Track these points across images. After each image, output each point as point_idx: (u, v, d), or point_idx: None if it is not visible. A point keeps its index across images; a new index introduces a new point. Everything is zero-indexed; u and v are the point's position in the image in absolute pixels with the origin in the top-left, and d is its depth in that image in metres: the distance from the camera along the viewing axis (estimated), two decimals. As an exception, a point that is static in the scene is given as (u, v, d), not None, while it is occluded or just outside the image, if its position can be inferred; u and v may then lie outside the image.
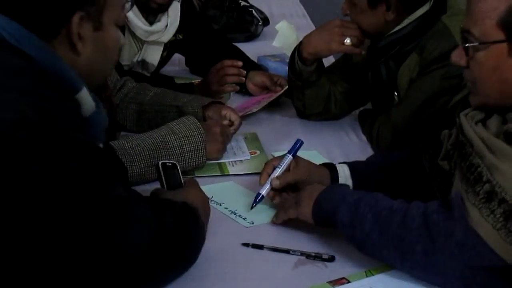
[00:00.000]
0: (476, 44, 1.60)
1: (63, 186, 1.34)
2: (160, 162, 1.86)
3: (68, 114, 1.41)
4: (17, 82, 1.38)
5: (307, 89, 2.47)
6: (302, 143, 1.97)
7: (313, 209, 1.75)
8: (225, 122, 2.26)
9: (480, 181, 1.52)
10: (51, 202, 1.33)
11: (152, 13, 2.66)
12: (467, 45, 1.62)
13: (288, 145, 2.22)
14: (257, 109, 2.52)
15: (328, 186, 1.78)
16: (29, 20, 1.43)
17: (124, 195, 1.45)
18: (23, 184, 1.32)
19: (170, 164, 1.88)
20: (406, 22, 2.26)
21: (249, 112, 2.51)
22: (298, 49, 2.42)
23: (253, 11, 3.42)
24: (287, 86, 2.58)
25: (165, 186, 1.82)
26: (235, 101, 2.66)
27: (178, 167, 1.87)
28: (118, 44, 1.57)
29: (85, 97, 1.47)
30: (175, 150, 2.07)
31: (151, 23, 2.66)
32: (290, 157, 1.94)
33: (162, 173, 1.84)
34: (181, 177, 1.86)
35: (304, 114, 2.55)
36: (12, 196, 1.32)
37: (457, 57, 1.66)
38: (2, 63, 1.41)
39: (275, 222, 1.85)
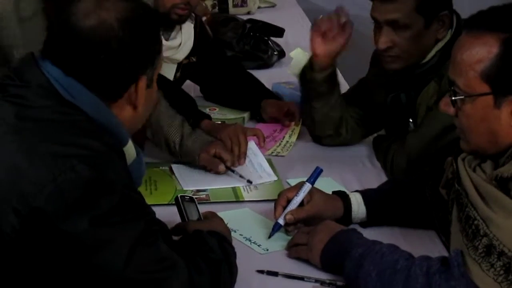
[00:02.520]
0: (461, 97, 1.61)
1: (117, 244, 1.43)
2: (179, 196, 1.89)
3: (118, 166, 1.48)
4: (73, 137, 1.45)
5: (316, 102, 2.43)
6: (321, 171, 1.97)
7: (321, 259, 1.77)
8: (221, 167, 2.23)
9: (478, 234, 1.54)
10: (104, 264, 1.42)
11: (169, 27, 2.69)
12: (453, 98, 1.63)
13: (303, 172, 2.23)
14: (285, 153, 2.51)
15: (336, 233, 1.79)
16: (95, 84, 1.49)
17: (166, 252, 1.51)
18: (73, 242, 1.40)
19: (188, 198, 1.91)
20: (433, 52, 2.24)
21: (276, 155, 2.49)
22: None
23: (270, 42, 3.43)
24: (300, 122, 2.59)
25: (187, 218, 1.84)
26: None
27: (195, 201, 1.91)
28: (156, 95, 1.64)
29: (130, 149, 1.55)
30: None
31: (166, 39, 2.68)
32: (309, 185, 1.95)
33: (182, 206, 1.86)
34: (199, 211, 1.89)
35: (315, 135, 2.54)
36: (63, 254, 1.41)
37: (446, 106, 1.67)
38: (59, 117, 1.47)
39: (287, 255, 1.86)
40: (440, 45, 2.24)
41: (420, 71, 2.26)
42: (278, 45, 3.46)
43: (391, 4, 2.20)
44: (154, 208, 1.68)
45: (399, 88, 2.34)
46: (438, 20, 2.21)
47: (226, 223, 1.88)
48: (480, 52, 1.58)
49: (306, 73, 2.41)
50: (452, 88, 1.63)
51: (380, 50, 2.25)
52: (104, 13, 1.48)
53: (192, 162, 2.29)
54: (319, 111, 2.44)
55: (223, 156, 2.25)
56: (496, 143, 1.61)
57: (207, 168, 2.27)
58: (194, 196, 2.04)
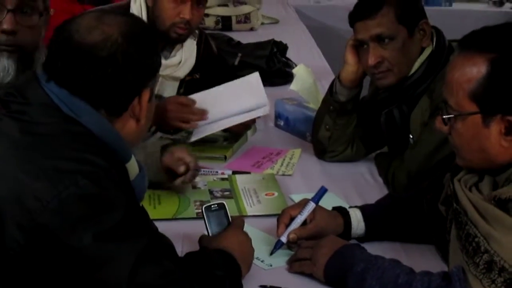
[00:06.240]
0: (451, 116, 1.64)
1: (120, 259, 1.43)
2: (203, 207, 1.88)
3: (121, 182, 1.49)
4: (77, 153, 1.46)
5: (339, 118, 2.48)
6: (326, 190, 1.98)
7: (324, 274, 1.78)
8: (182, 168, 2.19)
9: (479, 251, 1.56)
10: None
11: (168, 45, 2.70)
12: (444, 117, 1.66)
13: (306, 187, 2.25)
14: (290, 171, 2.50)
15: (340, 248, 1.80)
16: (100, 99, 1.51)
17: (169, 267, 1.51)
18: (79, 256, 1.41)
19: (216, 206, 1.89)
20: (416, 65, 2.29)
21: (283, 174, 2.48)
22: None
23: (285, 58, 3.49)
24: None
25: (208, 232, 1.84)
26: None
27: (226, 206, 1.89)
28: (154, 108, 1.65)
29: (133, 164, 1.56)
30: None
31: (165, 57, 2.70)
32: (313, 205, 1.95)
33: (205, 218, 1.85)
34: (229, 217, 1.87)
35: (324, 150, 2.55)
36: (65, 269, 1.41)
37: (440, 124, 1.70)
38: (63, 133, 1.48)
39: (288, 270, 1.87)
40: (425, 55, 2.29)
41: (408, 83, 2.30)
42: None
43: (373, 20, 2.26)
44: (158, 223, 1.70)
45: (391, 103, 2.37)
46: (419, 29, 2.27)
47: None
48: (469, 72, 1.60)
49: (335, 90, 2.46)
50: (446, 106, 1.66)
51: (370, 66, 2.29)
52: (107, 28, 1.50)
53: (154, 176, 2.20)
54: (340, 127, 2.49)
55: (185, 158, 2.21)
56: (489, 160, 1.63)
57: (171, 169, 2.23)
58: (197, 211, 2.04)
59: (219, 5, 4.29)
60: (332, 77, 2.62)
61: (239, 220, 1.89)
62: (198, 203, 2.19)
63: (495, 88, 1.59)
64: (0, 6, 1.92)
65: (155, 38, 1.61)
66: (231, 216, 1.88)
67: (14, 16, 1.92)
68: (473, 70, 1.60)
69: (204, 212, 1.86)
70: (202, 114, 2.56)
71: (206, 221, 1.85)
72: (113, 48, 1.49)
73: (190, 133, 2.65)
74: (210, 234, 1.83)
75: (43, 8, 1.98)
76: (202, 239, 1.82)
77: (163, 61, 2.65)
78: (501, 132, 1.59)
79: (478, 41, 1.64)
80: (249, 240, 1.82)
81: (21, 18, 1.94)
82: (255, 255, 1.89)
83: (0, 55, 1.93)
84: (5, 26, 1.91)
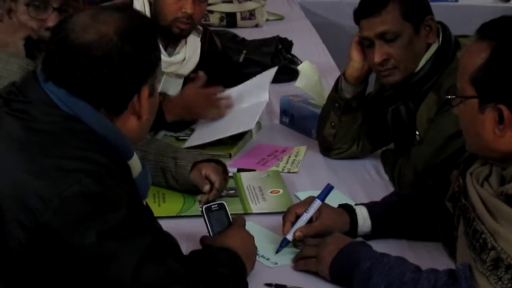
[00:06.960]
0: (453, 97, 1.67)
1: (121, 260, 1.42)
2: (204, 207, 1.87)
3: (124, 180, 1.48)
4: (79, 151, 1.45)
5: (345, 116, 2.48)
6: (331, 188, 1.98)
7: (330, 271, 1.77)
8: (207, 187, 2.18)
9: (486, 248, 1.55)
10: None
11: (172, 42, 2.70)
12: (447, 97, 1.69)
13: (311, 185, 2.24)
14: (295, 169, 2.48)
15: (345, 245, 1.79)
16: (99, 99, 1.50)
17: (174, 266, 1.50)
18: (79, 255, 1.40)
19: (216, 206, 1.88)
20: (423, 62, 2.28)
21: (288, 171, 2.47)
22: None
23: (290, 55, 3.49)
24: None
25: (210, 232, 1.83)
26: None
27: (226, 206, 1.89)
28: (158, 103, 1.64)
29: (135, 161, 1.54)
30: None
31: (169, 54, 2.70)
32: (319, 202, 1.95)
33: (205, 218, 1.85)
34: (230, 217, 1.87)
35: (329, 147, 2.54)
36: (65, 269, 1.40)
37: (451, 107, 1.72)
38: (64, 131, 1.47)
39: (293, 268, 1.86)
40: (431, 51, 2.28)
41: (414, 80, 2.29)
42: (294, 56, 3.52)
43: (378, 17, 2.25)
44: (163, 221, 1.70)
45: (397, 100, 2.36)
46: (425, 25, 2.27)
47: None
48: (474, 57, 1.63)
49: (341, 87, 2.46)
50: (455, 88, 1.69)
51: (376, 64, 2.28)
52: (103, 27, 1.49)
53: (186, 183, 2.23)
54: (345, 124, 2.49)
55: (211, 178, 2.19)
56: (486, 147, 1.64)
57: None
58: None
59: (223, 2, 4.28)
60: (338, 73, 2.62)
61: (241, 218, 1.89)
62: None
63: (492, 75, 1.60)
64: (46, 4, 2.02)
65: (154, 33, 1.59)
66: (232, 215, 1.88)
67: (59, 15, 2.02)
68: (477, 56, 1.62)
69: (204, 212, 1.86)
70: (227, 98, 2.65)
71: (207, 222, 1.85)
72: (108, 47, 1.48)
73: (193, 131, 2.65)
74: (212, 234, 1.83)
75: (82, 9, 2.04)
76: (204, 240, 1.82)
77: (167, 59, 2.65)
78: (495, 120, 1.61)
79: (490, 29, 1.65)
80: (251, 238, 1.81)
81: (63, 17, 1.99)
82: (261, 253, 1.90)
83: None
84: (50, 23, 2.01)
